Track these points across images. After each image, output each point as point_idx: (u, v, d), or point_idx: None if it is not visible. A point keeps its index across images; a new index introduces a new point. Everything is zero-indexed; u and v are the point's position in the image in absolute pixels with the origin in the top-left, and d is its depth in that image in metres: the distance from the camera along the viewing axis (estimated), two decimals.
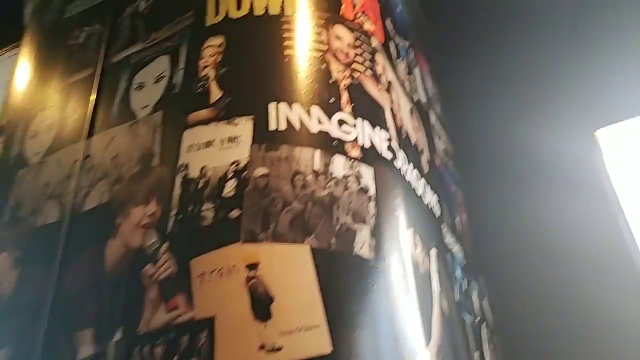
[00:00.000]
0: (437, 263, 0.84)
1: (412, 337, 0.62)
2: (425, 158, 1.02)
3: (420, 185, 0.90)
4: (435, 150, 1.17)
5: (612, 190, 1.21)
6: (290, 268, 0.57)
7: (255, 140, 0.68)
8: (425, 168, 0.99)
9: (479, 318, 1.07)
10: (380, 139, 0.76)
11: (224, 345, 0.53)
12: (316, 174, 0.66)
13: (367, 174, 0.70)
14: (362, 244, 0.62)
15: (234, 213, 0.63)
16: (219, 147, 0.70)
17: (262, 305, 0.55)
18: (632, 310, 1.09)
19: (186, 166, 0.69)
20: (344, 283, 0.59)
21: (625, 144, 1.27)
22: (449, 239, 1.01)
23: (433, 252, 0.84)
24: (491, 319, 1.21)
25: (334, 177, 0.67)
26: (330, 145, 0.69)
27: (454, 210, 1.18)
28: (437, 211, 0.98)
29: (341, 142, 0.70)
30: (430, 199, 0.95)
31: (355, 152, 0.71)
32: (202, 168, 0.68)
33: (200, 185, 0.67)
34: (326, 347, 0.53)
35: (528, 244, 1.27)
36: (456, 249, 1.06)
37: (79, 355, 0.62)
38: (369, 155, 0.72)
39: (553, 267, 1.19)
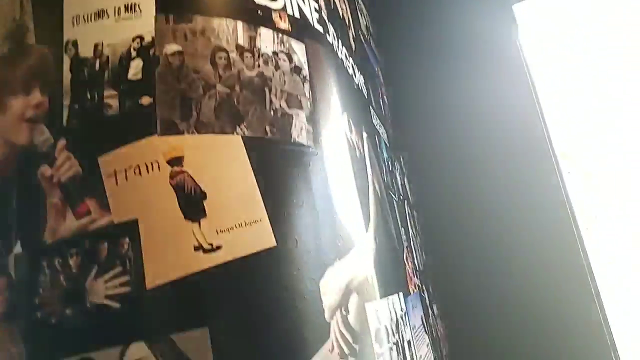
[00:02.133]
0: (369, 146, 0.81)
1: (354, 222, 0.60)
2: (351, 34, 0.94)
3: (350, 65, 0.83)
4: (359, 26, 1.09)
5: (526, 66, 1.24)
6: (221, 161, 0.50)
7: (160, 9, 0.55)
8: (352, 45, 0.92)
9: (402, 196, 1.11)
10: (310, 8, 0.67)
11: (153, 250, 0.47)
12: (241, 50, 0.56)
13: (299, 50, 0.61)
14: (300, 131, 0.56)
15: (145, 100, 0.52)
16: (114, 19, 0.56)
17: (192, 203, 0.48)
18: (541, 183, 1.19)
19: (74, 43, 0.56)
20: (282, 173, 0.53)
21: (541, 18, 1.28)
22: (375, 120, 0.99)
23: (365, 135, 0.81)
24: (411, 197, 1.27)
25: (263, 54, 0.57)
26: (256, 15, 0.59)
27: (377, 91, 1.15)
28: (365, 92, 0.93)
29: (267, 11, 0.60)
30: (359, 79, 0.89)
31: (284, 24, 0.61)
32: (96, 45, 0.55)
33: (96, 67, 0.55)
34: (270, 241, 0.49)
35: (446, 121, 1.29)
36: (382, 130, 1.05)
37: None
38: (299, 27, 0.63)
39: (471, 143, 1.24)
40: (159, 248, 0.47)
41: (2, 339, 0.49)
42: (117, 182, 0.48)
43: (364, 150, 0.75)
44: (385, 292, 0.64)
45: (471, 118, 1.25)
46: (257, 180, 0.51)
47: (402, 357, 0.64)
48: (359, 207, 0.62)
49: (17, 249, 0.51)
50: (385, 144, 1.05)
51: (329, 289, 0.52)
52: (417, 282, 0.99)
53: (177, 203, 0.48)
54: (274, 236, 0.50)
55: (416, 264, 1.02)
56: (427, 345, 0.91)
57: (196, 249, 0.47)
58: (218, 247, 0.47)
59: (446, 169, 1.29)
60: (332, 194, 0.57)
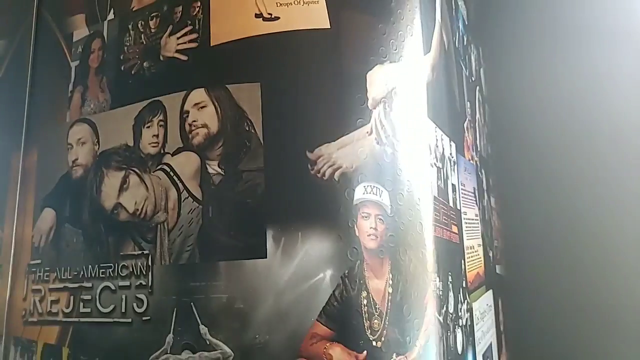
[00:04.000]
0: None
1: (412, 38, 0.61)
2: None
3: None
4: None
5: None
6: None
7: None
8: None
9: (474, 79, 1.08)
10: None
11: (220, 13, 0.52)
12: None
13: None
14: None
15: None
16: None
17: None
18: None
19: None
20: None
21: None
22: None
23: None
24: (484, 89, 1.23)
25: None
26: None
27: None
28: None
29: None
30: None
31: None
32: None
33: None
34: (325, 22, 0.52)
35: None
36: (461, 3, 1.01)
37: (75, 37, 0.61)
38: None
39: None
40: (224, 12, 0.52)
41: (93, 89, 0.59)
42: None
43: None
44: (434, 119, 0.65)
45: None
46: None
47: (442, 182, 0.66)
48: (420, 28, 0.63)
49: (110, 15, 0.59)
50: (464, 19, 1.02)
51: (376, 81, 0.54)
52: (475, 158, 0.98)
53: None
54: (329, 19, 0.52)
55: (477, 145, 1.02)
56: (476, 215, 0.92)
57: (257, 16, 0.51)
58: (276, 18, 0.51)
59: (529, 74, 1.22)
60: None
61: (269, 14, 0.51)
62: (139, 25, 0.56)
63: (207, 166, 0.49)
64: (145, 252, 0.50)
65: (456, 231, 0.74)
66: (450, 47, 0.82)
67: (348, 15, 0.54)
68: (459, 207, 0.77)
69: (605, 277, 1.11)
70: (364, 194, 0.52)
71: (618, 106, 1.15)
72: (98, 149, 0.56)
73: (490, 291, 0.97)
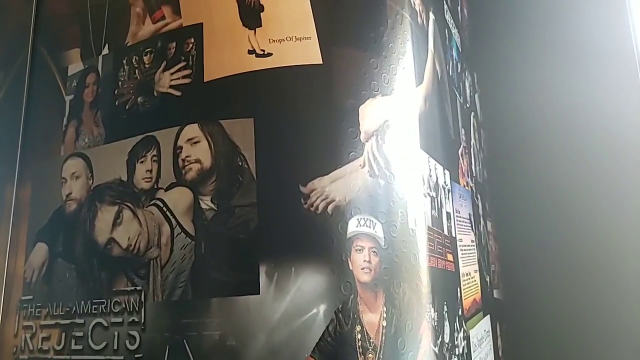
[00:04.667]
0: (434, 28, 0.81)
1: (403, 71, 0.62)
2: None
3: None
4: None
5: None
6: None
7: None
8: None
9: (468, 105, 1.09)
10: None
11: (213, 50, 0.53)
12: None
13: None
14: None
15: None
16: None
17: (250, 13, 0.53)
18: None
19: None
20: (337, 2, 0.56)
21: None
22: (449, 18, 0.97)
23: (432, 15, 0.80)
24: (479, 114, 1.24)
25: None
26: None
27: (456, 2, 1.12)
28: None
29: None
30: None
31: None
32: None
33: None
34: (317, 58, 0.53)
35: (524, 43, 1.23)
36: (454, 31, 1.03)
37: (69, 71, 0.62)
38: None
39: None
40: (218, 48, 0.53)
41: (88, 123, 0.59)
42: None
43: (427, 23, 0.75)
44: (427, 149, 0.66)
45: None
46: (311, 4, 0.54)
47: (437, 212, 0.66)
48: (412, 60, 0.64)
49: (105, 50, 0.60)
50: (457, 47, 1.04)
51: (368, 114, 0.55)
52: (471, 184, 0.99)
53: (237, 11, 0.53)
54: (321, 55, 0.53)
55: (472, 170, 1.02)
56: (472, 241, 0.92)
57: (250, 52, 0.52)
58: (269, 54, 0.52)
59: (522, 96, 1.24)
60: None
61: (262, 50, 0.52)
62: (134, 60, 0.57)
63: (200, 201, 0.49)
64: (137, 288, 0.50)
65: (451, 259, 0.74)
66: (444, 76, 0.84)
67: (340, 51, 0.55)
68: (454, 235, 0.77)
69: (604, 299, 1.10)
70: (357, 226, 0.52)
71: (613, 128, 1.16)
72: (92, 183, 0.56)
73: (488, 316, 0.96)
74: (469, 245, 0.89)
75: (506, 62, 1.31)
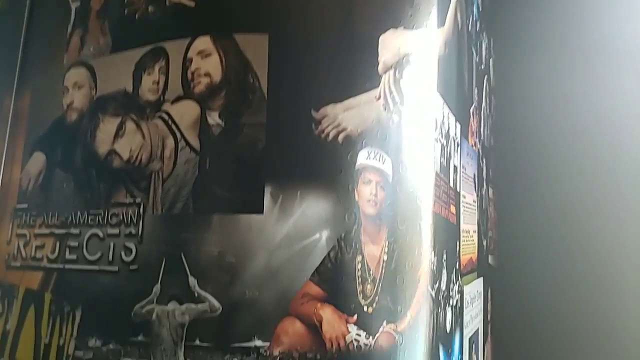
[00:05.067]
0: None
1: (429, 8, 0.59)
2: None
3: None
4: None
5: None
6: None
7: None
8: None
9: (483, 67, 1.07)
10: None
11: None
12: None
13: None
14: None
15: None
16: None
17: None
18: None
19: None
20: None
21: None
22: None
23: None
24: (492, 79, 1.21)
25: None
26: None
27: None
28: None
29: None
30: None
31: None
32: None
33: None
34: None
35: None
36: None
37: None
38: None
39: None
40: None
41: (94, 32, 0.56)
42: None
43: None
44: (443, 94, 0.64)
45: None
46: None
47: (445, 161, 0.64)
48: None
49: None
50: (478, 4, 1.00)
51: (388, 45, 0.53)
52: (478, 145, 0.97)
53: None
54: None
55: (480, 132, 1.00)
56: (474, 202, 0.91)
57: None
58: None
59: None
60: None
61: None
62: None
63: (208, 116, 0.47)
64: (137, 200, 0.48)
65: (454, 212, 0.73)
66: (464, 29, 0.81)
67: None
68: (458, 190, 0.76)
69: (596, 276, 1.11)
70: (366, 159, 0.50)
71: (622, 109, 1.14)
72: (95, 93, 0.54)
73: (481, 279, 0.97)
74: (470, 204, 0.88)
75: (524, 34, 1.27)
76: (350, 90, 0.49)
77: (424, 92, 0.58)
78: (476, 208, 0.94)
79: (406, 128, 0.54)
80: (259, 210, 0.45)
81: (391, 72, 0.53)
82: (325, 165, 0.47)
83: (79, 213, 0.51)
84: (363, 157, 0.50)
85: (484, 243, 1.02)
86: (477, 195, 0.95)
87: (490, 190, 1.15)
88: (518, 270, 1.22)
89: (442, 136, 0.64)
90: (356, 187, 0.48)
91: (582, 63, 1.19)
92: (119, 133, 0.51)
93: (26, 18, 0.62)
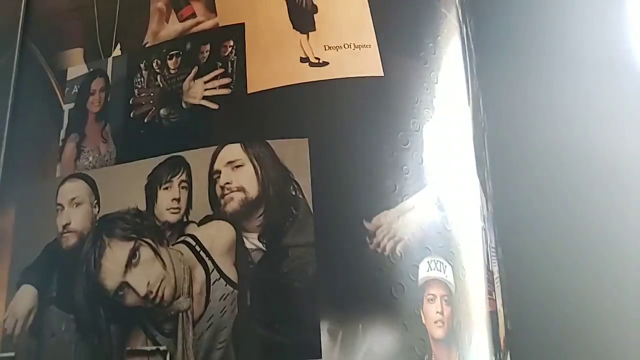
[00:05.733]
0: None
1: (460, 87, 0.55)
2: None
3: None
4: None
5: None
6: None
7: None
8: None
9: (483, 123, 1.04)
10: None
11: (258, 56, 0.44)
12: None
13: None
14: None
15: None
16: None
17: (302, 13, 0.45)
18: None
19: None
20: (396, 8, 0.49)
21: None
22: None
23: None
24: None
25: None
26: None
27: None
28: None
29: None
30: None
31: None
32: None
33: None
34: (377, 70, 0.45)
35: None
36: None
37: (69, 75, 0.51)
38: None
39: None
40: (264, 54, 0.44)
41: (93, 138, 0.49)
42: None
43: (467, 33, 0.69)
44: (479, 177, 0.59)
45: None
46: (370, 7, 0.47)
47: (487, 246, 0.59)
48: (464, 75, 0.57)
49: (116, 52, 0.50)
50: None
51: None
52: (491, 208, 0.93)
53: (286, 11, 0.45)
54: (382, 66, 0.46)
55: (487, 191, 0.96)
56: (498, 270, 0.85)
57: (302, 60, 0.44)
58: (325, 63, 0.44)
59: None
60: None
61: (317, 58, 0.44)
62: (154, 64, 0.47)
63: (245, 240, 0.40)
64: (161, 347, 0.40)
65: (494, 297, 0.67)
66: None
67: (400, 61, 0.47)
68: (491, 269, 0.71)
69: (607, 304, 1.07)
70: (428, 270, 0.44)
71: (616, 142, 1.14)
72: (98, 212, 0.45)
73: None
74: (497, 277, 0.82)
75: (508, 69, 1.27)
76: (402, 192, 0.43)
77: (466, 179, 0.53)
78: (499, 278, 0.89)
79: (460, 225, 0.48)
80: (317, 354, 0.37)
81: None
82: (386, 286, 0.40)
83: None
84: (424, 270, 0.43)
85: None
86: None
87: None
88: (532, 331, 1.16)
89: (484, 222, 0.59)
90: (422, 307, 0.41)
91: (574, 75, 1.18)
92: (131, 262, 0.42)
93: (8, 120, 0.53)
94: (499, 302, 0.75)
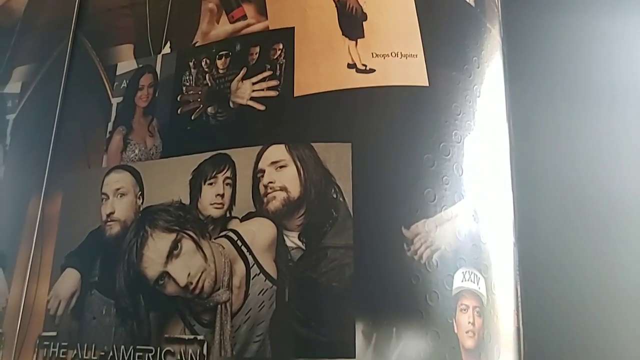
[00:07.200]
0: None
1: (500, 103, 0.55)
2: None
3: None
4: None
5: None
6: None
7: None
8: None
9: None
10: None
11: (306, 60, 0.45)
12: None
13: None
14: None
15: None
16: None
17: (352, 21, 0.46)
18: None
19: None
20: (443, 21, 0.50)
21: None
22: None
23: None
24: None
25: None
26: None
27: None
28: None
29: None
30: None
31: None
32: None
33: None
34: (423, 80, 0.46)
35: None
36: None
37: (118, 70, 0.53)
38: None
39: None
40: (312, 58, 0.45)
41: (139, 132, 0.50)
42: None
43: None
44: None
45: None
46: (419, 18, 0.47)
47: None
48: (504, 91, 0.57)
49: (166, 49, 0.52)
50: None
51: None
52: None
53: (336, 17, 0.46)
54: (427, 77, 0.46)
55: None
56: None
57: (349, 66, 0.45)
58: (372, 70, 0.45)
59: None
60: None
61: (364, 65, 0.45)
62: (203, 63, 0.48)
63: (285, 238, 0.41)
64: (199, 337, 0.41)
65: (518, 314, 0.67)
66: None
67: (445, 73, 0.48)
68: (517, 286, 0.70)
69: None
70: (462, 281, 0.44)
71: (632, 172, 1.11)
72: (141, 203, 0.47)
73: None
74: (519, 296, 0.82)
75: (538, 95, 1.26)
76: (442, 202, 0.44)
77: (500, 193, 0.53)
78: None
79: (494, 239, 0.49)
80: (351, 354, 0.38)
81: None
82: (421, 293, 0.41)
83: (122, 348, 0.43)
84: (459, 280, 0.44)
85: None
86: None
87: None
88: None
89: (515, 238, 0.59)
90: (454, 317, 0.42)
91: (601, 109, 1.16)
92: (173, 252, 0.44)
93: (58, 109, 0.55)
94: (520, 321, 0.75)
